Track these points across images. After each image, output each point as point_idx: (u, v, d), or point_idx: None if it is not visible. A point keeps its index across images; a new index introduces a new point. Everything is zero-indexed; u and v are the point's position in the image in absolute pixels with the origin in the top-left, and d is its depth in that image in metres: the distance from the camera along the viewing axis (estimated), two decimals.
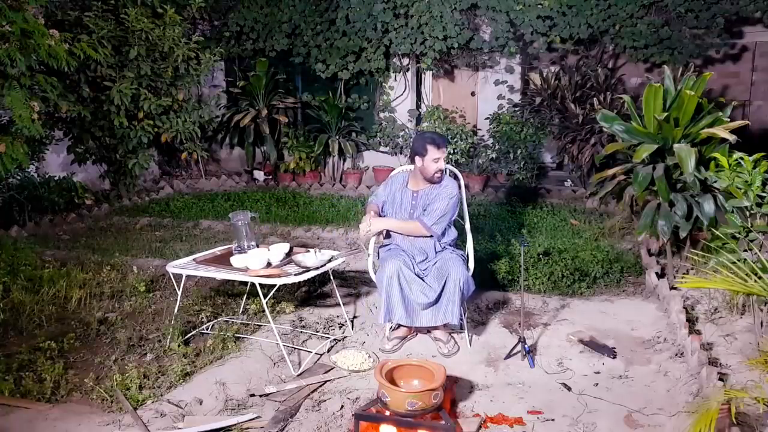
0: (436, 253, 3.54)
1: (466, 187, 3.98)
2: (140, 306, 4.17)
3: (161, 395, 3.01)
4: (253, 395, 3.04)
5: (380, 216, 3.59)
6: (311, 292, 4.44)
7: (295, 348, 3.52)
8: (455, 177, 4.10)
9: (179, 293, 3.59)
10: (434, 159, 3.43)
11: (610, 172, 4.42)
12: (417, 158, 3.48)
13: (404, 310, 3.34)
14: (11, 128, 5.18)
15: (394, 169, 3.93)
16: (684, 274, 4.14)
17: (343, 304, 3.94)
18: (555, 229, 5.71)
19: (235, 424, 2.76)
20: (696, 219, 3.99)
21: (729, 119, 4.08)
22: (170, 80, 7.00)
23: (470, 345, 3.55)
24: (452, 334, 3.61)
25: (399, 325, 3.57)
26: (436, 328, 3.52)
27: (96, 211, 6.90)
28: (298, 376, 3.21)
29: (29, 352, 3.43)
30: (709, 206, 3.89)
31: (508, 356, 3.37)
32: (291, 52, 8.22)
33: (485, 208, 6.57)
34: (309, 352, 3.46)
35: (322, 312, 4.05)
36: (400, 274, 3.33)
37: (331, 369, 3.29)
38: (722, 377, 2.83)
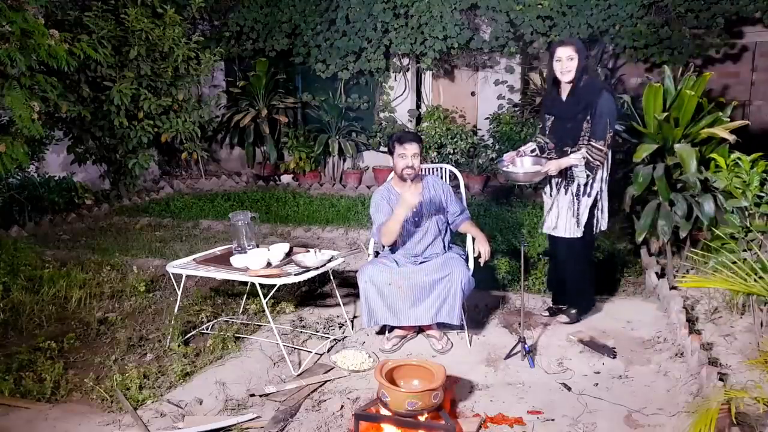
0: (444, 252, 3.60)
1: (466, 187, 3.98)
2: (140, 306, 4.17)
3: (161, 395, 3.01)
4: (253, 395, 3.04)
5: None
6: (311, 292, 4.44)
7: (295, 348, 3.52)
8: (454, 177, 4.11)
9: (179, 293, 3.59)
10: (399, 155, 3.45)
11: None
12: (391, 158, 3.54)
13: (387, 311, 3.35)
14: (11, 128, 5.19)
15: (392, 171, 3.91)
16: (684, 274, 4.14)
17: (343, 304, 3.94)
18: None
19: (235, 424, 2.76)
20: (696, 219, 3.99)
21: (729, 119, 4.08)
22: (170, 80, 7.00)
23: (470, 345, 3.55)
24: (448, 333, 3.61)
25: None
26: (430, 327, 3.52)
27: (96, 211, 6.90)
28: (298, 376, 3.21)
29: (29, 352, 3.43)
30: (709, 206, 3.90)
31: (508, 356, 3.36)
32: (291, 52, 8.22)
33: (485, 208, 6.57)
34: (309, 352, 3.46)
35: (322, 312, 4.06)
36: (375, 278, 3.35)
37: (331, 369, 3.29)
38: (722, 377, 2.83)
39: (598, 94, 3.37)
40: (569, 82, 3.42)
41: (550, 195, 3.67)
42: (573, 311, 3.77)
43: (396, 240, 3.50)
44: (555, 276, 3.92)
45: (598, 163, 3.40)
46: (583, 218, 3.53)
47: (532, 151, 3.64)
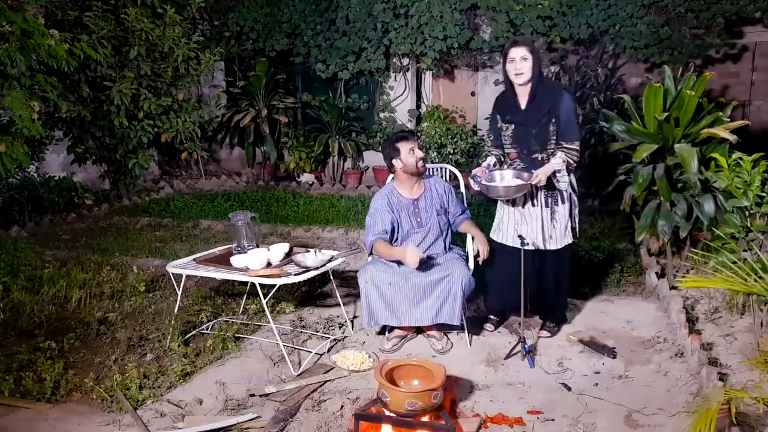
0: (444, 252, 3.60)
1: (466, 186, 3.97)
2: (140, 306, 4.17)
3: (161, 395, 3.01)
4: (253, 395, 3.04)
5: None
6: (311, 292, 4.44)
7: (295, 348, 3.52)
8: (455, 176, 4.12)
9: (179, 293, 3.59)
10: (409, 150, 3.44)
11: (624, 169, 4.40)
12: (395, 161, 3.50)
13: (388, 311, 3.35)
14: (11, 128, 5.19)
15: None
16: (684, 274, 4.14)
17: (343, 304, 3.94)
18: None
19: (235, 424, 2.76)
20: (696, 219, 3.99)
21: (729, 119, 4.08)
22: (170, 80, 7.00)
23: (470, 345, 3.55)
24: (448, 333, 3.61)
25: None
26: (430, 327, 3.52)
27: (96, 211, 6.90)
28: (298, 376, 3.21)
29: (29, 352, 3.43)
30: (709, 206, 3.90)
31: (508, 356, 3.36)
32: (291, 52, 8.22)
33: (485, 208, 6.56)
34: (309, 352, 3.46)
35: (322, 312, 4.05)
36: (376, 278, 3.36)
37: (331, 369, 3.29)
38: (722, 377, 2.83)
39: (559, 96, 3.32)
40: (523, 84, 3.32)
41: (523, 207, 3.48)
42: (553, 325, 3.67)
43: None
44: (518, 290, 3.50)
45: (575, 164, 3.37)
46: (569, 223, 3.48)
47: (493, 165, 3.54)
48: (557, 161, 3.32)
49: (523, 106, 3.39)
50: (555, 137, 3.35)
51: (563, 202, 3.46)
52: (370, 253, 3.59)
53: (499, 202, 3.61)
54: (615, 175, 4.50)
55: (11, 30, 4.63)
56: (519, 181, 3.32)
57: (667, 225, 4.03)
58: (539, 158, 3.39)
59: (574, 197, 3.51)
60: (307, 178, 8.45)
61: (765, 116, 7.36)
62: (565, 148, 3.34)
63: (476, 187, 3.42)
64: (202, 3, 7.29)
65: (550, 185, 3.40)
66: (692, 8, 6.71)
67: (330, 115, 8.20)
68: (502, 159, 3.57)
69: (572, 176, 3.45)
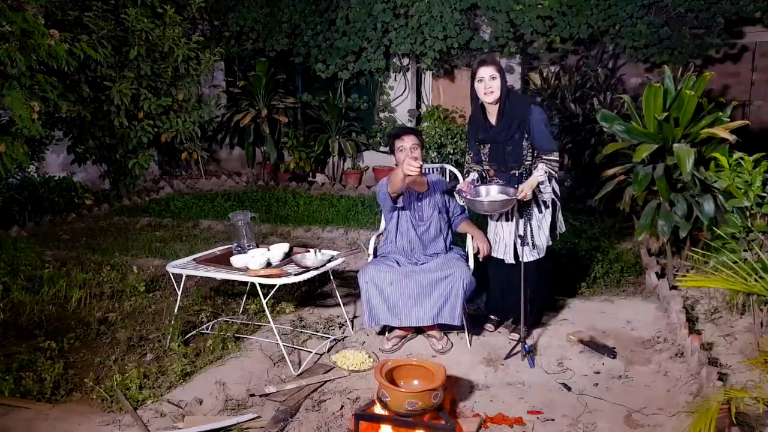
0: (445, 252, 3.62)
1: None
2: (140, 306, 4.17)
3: (161, 395, 3.01)
4: (253, 395, 3.04)
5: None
6: (311, 292, 4.44)
7: (295, 348, 3.52)
8: (455, 176, 4.11)
9: (179, 293, 3.59)
10: (399, 148, 3.46)
11: (610, 172, 4.42)
12: (394, 157, 3.54)
13: (388, 311, 3.36)
14: (11, 128, 5.19)
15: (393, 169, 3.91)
16: (684, 273, 4.13)
17: (343, 304, 3.94)
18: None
19: (235, 424, 2.76)
20: (696, 219, 3.99)
21: (729, 119, 4.07)
22: (170, 80, 7.00)
23: (470, 345, 3.55)
24: (448, 333, 3.61)
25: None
26: (431, 327, 3.52)
27: (96, 211, 6.90)
28: (298, 376, 3.21)
29: (29, 352, 3.43)
30: (709, 206, 3.89)
31: (508, 356, 3.37)
32: (291, 52, 8.22)
33: None
34: (309, 352, 3.46)
35: (322, 312, 4.06)
36: (376, 278, 3.37)
37: (331, 369, 3.29)
38: (722, 377, 2.83)
39: (528, 111, 3.30)
40: (493, 103, 3.31)
41: (508, 220, 3.49)
42: (525, 328, 3.45)
43: (402, 193, 3.47)
44: (512, 296, 3.50)
45: (555, 174, 3.36)
46: (548, 231, 3.49)
47: (476, 180, 3.53)
48: (540, 173, 3.30)
49: (494, 124, 3.39)
50: (530, 151, 3.36)
51: (547, 208, 3.45)
52: (375, 254, 3.58)
53: None
54: (603, 179, 4.47)
55: (11, 30, 4.63)
56: (504, 197, 3.30)
57: (666, 225, 4.03)
58: (517, 174, 3.40)
59: (558, 202, 3.51)
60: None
61: (765, 116, 7.36)
62: (545, 159, 3.33)
63: (461, 202, 3.47)
64: (202, 3, 7.29)
65: (536, 196, 3.39)
66: (692, 8, 6.71)
67: (330, 115, 8.20)
68: (484, 174, 3.56)
69: (554, 183, 3.43)
